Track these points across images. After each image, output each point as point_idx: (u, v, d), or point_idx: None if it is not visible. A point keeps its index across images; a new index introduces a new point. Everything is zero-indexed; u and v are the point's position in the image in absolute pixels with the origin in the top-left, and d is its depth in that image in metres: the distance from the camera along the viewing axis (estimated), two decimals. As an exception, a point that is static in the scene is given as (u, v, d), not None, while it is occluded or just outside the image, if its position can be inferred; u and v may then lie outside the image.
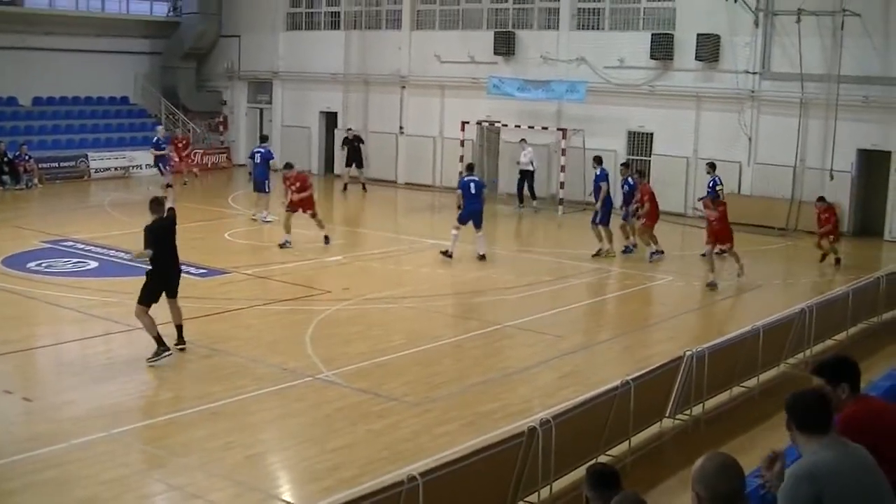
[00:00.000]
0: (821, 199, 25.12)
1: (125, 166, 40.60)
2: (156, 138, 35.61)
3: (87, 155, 39.86)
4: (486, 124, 35.85)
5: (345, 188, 36.40)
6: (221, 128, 45.83)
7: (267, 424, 13.04)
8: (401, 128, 39.28)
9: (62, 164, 39.02)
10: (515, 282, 21.38)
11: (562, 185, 32.75)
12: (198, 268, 21.63)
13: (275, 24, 43.38)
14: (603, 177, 25.39)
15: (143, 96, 45.77)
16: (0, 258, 22.52)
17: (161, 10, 46.99)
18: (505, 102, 34.85)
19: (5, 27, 40.16)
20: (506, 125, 34.82)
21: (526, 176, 33.15)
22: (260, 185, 28.80)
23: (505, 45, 35.59)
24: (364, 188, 36.66)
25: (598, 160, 26.24)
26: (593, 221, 24.94)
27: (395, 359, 15.49)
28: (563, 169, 32.80)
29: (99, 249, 23.65)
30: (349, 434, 12.41)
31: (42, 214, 30.19)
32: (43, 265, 21.97)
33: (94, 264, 22.29)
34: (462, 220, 24.14)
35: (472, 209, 24.11)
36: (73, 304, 18.69)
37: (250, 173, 31.29)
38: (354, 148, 37.07)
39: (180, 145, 39.48)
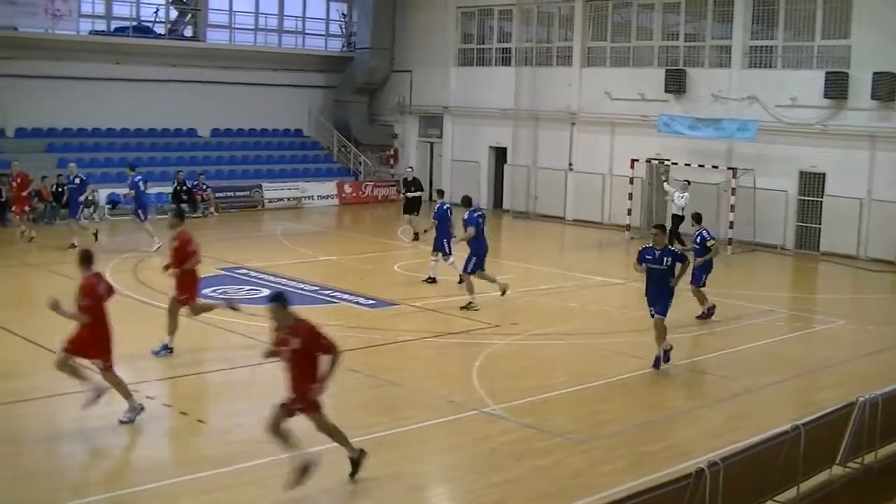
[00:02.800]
0: None
1: (298, 197, 41.47)
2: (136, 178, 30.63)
3: (261, 185, 40.93)
4: (656, 162, 35.56)
5: (416, 237, 31.37)
6: (392, 161, 46.46)
7: (432, 456, 13.11)
8: (570, 164, 39.20)
9: (237, 194, 40.16)
10: (683, 321, 21.09)
11: (731, 224, 32.24)
12: (367, 298, 21.98)
13: (446, 60, 43.89)
14: (708, 236, 21.91)
15: (317, 129, 46.85)
16: (177, 284, 23.22)
17: (335, 46, 48.11)
18: (675, 140, 34.51)
19: (186, 61, 41.57)
20: (675, 163, 34.47)
21: (678, 221, 31.94)
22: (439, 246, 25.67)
23: (676, 83, 35.27)
24: (416, 237, 31.37)
25: (697, 218, 22.60)
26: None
27: (561, 395, 15.42)
28: (732, 209, 32.29)
29: (271, 278, 24.19)
30: (514, 468, 12.38)
31: (217, 242, 30.94)
32: (217, 291, 22.56)
33: (266, 292, 22.77)
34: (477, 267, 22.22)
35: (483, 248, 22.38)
36: (245, 330, 19.12)
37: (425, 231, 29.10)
38: (412, 193, 32.54)
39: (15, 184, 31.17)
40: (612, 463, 12.60)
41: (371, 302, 21.84)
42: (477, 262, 22.09)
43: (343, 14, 48.47)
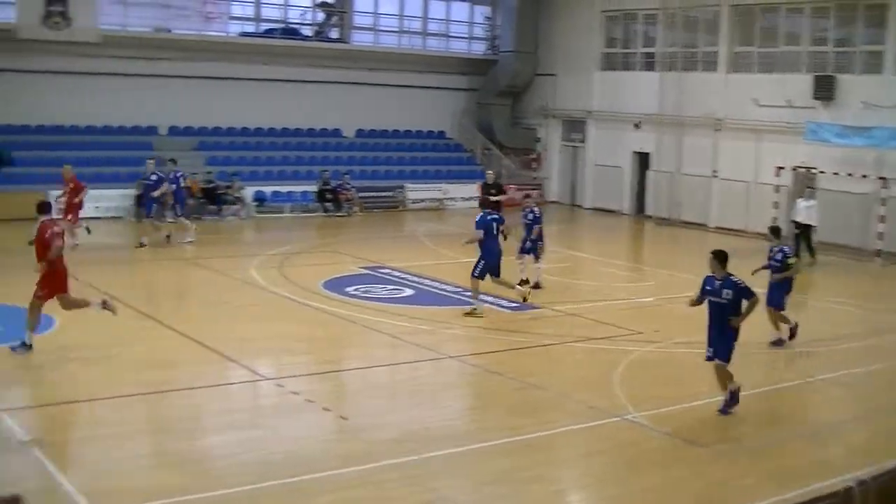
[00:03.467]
0: None
1: (440, 198, 41.73)
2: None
3: (403, 186, 41.30)
4: (802, 170, 34.86)
5: None
6: (534, 164, 46.43)
7: (573, 460, 13.09)
8: (714, 171, 38.71)
9: (380, 194, 40.58)
10: (829, 333, 20.67)
11: (880, 235, 31.48)
12: (509, 301, 22.04)
13: (590, 64, 43.68)
14: (790, 252, 19.95)
15: (460, 131, 47.04)
16: (320, 281, 23.62)
17: (480, 49, 48.21)
18: (822, 148, 33.73)
19: (332, 63, 42.20)
20: (822, 172, 33.75)
21: (805, 229, 30.83)
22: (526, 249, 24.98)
23: (824, 90, 34.44)
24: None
25: (776, 232, 20.11)
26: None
27: (704, 405, 15.20)
28: (882, 219, 31.51)
29: (414, 278, 24.41)
30: (654, 477, 12.28)
31: (360, 241, 31.35)
32: (360, 290, 22.87)
33: (409, 292, 23.04)
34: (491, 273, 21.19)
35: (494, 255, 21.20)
36: (388, 329, 19.33)
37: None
38: (494, 196, 30.09)
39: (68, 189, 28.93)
40: (755, 476, 12.39)
41: (513, 305, 21.89)
42: (486, 267, 20.98)
43: (487, 17, 48.58)
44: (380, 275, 24.97)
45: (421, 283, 23.82)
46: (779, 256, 19.22)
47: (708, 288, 14.67)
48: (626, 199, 42.19)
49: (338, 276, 24.65)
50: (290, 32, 43.17)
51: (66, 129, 37.82)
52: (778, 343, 19.20)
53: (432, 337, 19.05)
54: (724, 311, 14.53)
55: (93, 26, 36.20)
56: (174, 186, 29.91)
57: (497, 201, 29.16)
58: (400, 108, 44.50)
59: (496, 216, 21.50)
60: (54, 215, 21.33)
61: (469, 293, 21.43)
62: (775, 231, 19.92)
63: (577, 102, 44.29)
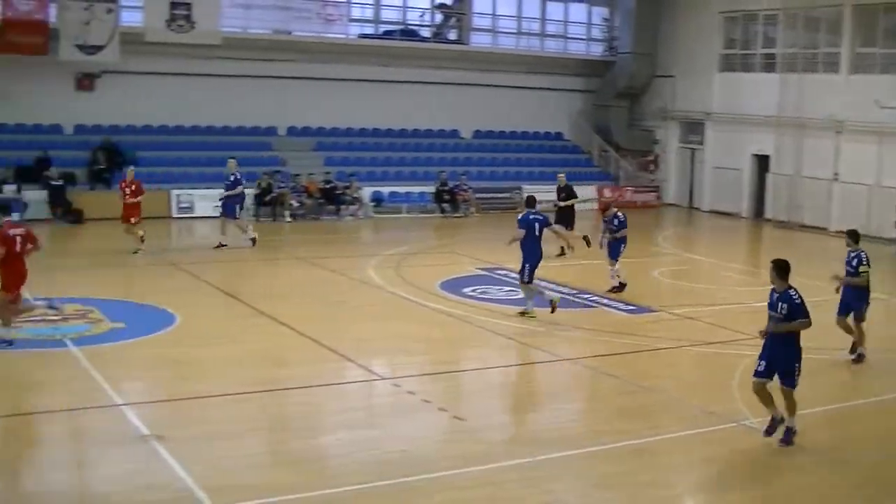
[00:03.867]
0: None
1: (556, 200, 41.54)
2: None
3: (521, 187, 41.16)
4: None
5: (562, 252, 26.68)
6: (652, 166, 46.03)
7: (688, 465, 12.90)
8: (835, 174, 37.94)
9: (497, 195, 40.56)
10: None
11: None
12: (626, 304, 21.90)
13: (709, 66, 43.10)
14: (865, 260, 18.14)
15: (577, 133, 46.84)
16: (437, 282, 23.72)
17: (597, 50, 47.95)
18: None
19: (450, 64, 42.34)
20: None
21: None
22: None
23: (949, 91, 33.61)
24: (562, 251, 26.55)
25: (854, 236, 18.53)
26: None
27: (824, 412, 14.95)
28: None
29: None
30: (772, 485, 12.07)
31: (477, 242, 31.41)
32: (477, 291, 22.92)
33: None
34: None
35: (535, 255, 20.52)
36: (503, 330, 19.34)
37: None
38: (564, 201, 30.19)
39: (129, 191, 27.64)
40: (873, 487, 12.13)
41: (630, 308, 21.73)
42: (532, 269, 20.39)
43: (605, 18, 48.29)
44: (496, 276, 24.99)
45: (536, 285, 23.75)
46: (854, 262, 18.16)
47: (769, 301, 13.41)
48: (744, 201, 41.53)
49: (455, 276, 24.75)
50: (409, 34, 43.43)
51: (186, 129, 38.55)
52: (857, 357, 17.92)
53: (548, 339, 19.01)
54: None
55: (215, 29, 36.85)
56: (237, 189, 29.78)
57: (568, 206, 28.75)
58: (517, 110, 44.43)
59: (539, 216, 20.78)
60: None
61: (522, 295, 21.29)
62: (853, 235, 18.80)
63: (695, 104, 43.73)
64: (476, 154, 43.37)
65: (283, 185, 36.31)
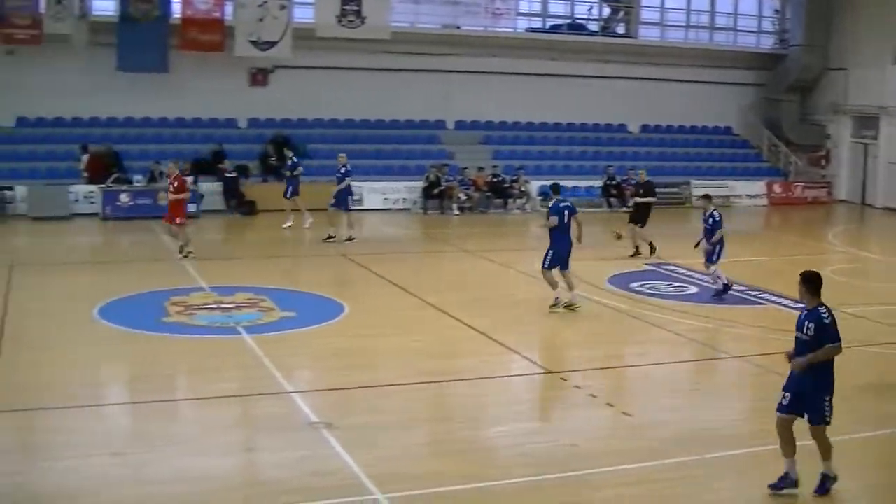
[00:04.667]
0: None
1: (726, 195, 40.90)
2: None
3: (689, 182, 40.69)
4: None
5: (636, 252, 27.13)
6: (823, 162, 44.90)
7: (860, 468, 12.47)
8: None
9: (665, 190, 40.06)
10: None
11: None
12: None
13: (883, 58, 41.74)
14: None
15: (746, 127, 46.00)
16: (606, 277, 23.58)
17: (768, 43, 47.00)
18: None
19: (618, 58, 42.08)
20: None
21: None
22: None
23: None
24: (637, 251, 27.13)
25: None
26: None
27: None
28: None
29: (699, 276, 24.00)
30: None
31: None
32: (645, 286, 22.72)
33: (694, 290, 22.70)
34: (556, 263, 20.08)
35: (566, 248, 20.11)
36: (672, 326, 19.11)
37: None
38: (642, 198, 28.18)
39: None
40: None
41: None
42: (555, 258, 19.91)
43: (776, 10, 47.28)
44: (665, 271, 24.75)
45: (706, 281, 23.40)
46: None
47: (797, 320, 11.28)
48: (922, 198, 40.22)
49: (623, 271, 24.56)
50: (577, 28, 43.29)
51: (356, 122, 39.18)
52: None
53: (716, 336, 18.79)
54: (807, 351, 10.95)
55: (385, 24, 37.28)
56: (289, 172, 30.49)
57: (646, 203, 27.71)
58: (685, 104, 43.81)
59: (568, 204, 20.44)
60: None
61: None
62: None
63: (869, 98, 42.39)
64: (643, 148, 43.02)
65: (450, 178, 36.59)
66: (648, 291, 22.24)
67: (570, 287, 20.24)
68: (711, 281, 22.48)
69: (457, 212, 35.89)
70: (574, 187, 38.54)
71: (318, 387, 15.20)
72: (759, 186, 42.26)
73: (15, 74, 34.84)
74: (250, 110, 38.13)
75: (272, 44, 36.27)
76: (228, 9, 36.16)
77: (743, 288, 22.80)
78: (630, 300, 21.34)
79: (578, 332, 18.87)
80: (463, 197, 36.15)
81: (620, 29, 44.94)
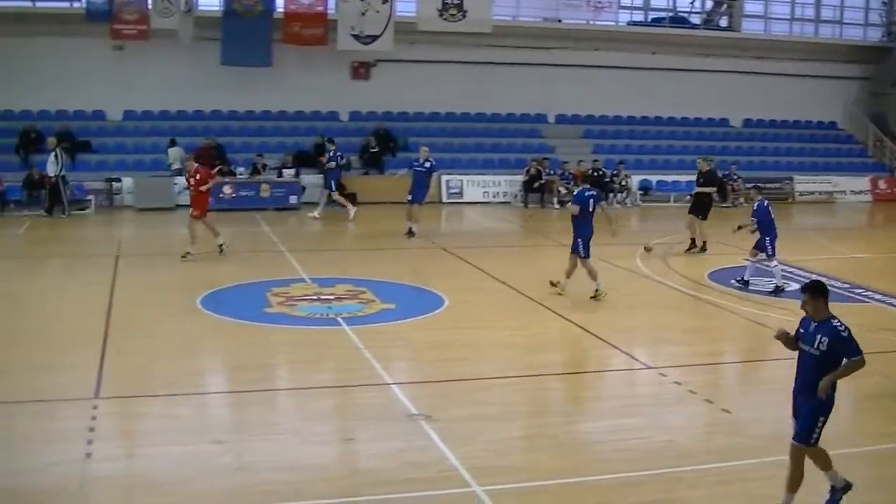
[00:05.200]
0: None
1: (829, 191, 40.35)
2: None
3: (792, 178, 40.19)
4: None
5: (692, 245, 27.09)
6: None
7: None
8: None
9: (768, 185, 39.57)
10: None
11: None
12: None
13: None
14: None
15: (851, 122, 45.23)
16: (706, 272, 23.42)
17: (875, 35, 46.16)
18: None
19: (720, 52, 41.67)
20: None
21: None
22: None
23: None
24: (693, 244, 26.97)
25: None
26: None
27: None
28: None
29: (801, 272, 23.71)
30: None
31: (747, 233, 30.74)
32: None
33: (795, 286, 22.40)
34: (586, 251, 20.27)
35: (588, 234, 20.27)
36: (772, 323, 18.78)
37: None
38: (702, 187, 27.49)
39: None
40: None
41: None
42: (586, 243, 20.17)
43: (883, 2, 46.37)
44: (767, 268, 24.43)
45: (808, 278, 23.05)
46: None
47: (801, 330, 10.19)
48: None
49: (724, 267, 24.33)
50: (679, 21, 42.94)
51: (457, 116, 39.33)
52: None
53: (818, 333, 18.48)
54: (817, 367, 9.91)
55: (486, 18, 37.36)
56: (333, 164, 31.17)
57: (707, 193, 27.11)
58: (789, 98, 43.25)
59: (593, 192, 20.66)
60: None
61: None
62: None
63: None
64: (746, 143, 42.58)
65: (551, 172, 36.55)
66: (750, 287, 22.00)
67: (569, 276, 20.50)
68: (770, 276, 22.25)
69: (557, 206, 35.84)
70: (674, 182, 38.35)
71: (416, 379, 15.31)
72: (863, 182, 41.58)
73: (123, 69, 35.70)
74: (352, 104, 38.53)
75: (374, 37, 36.56)
76: (331, 3, 36.51)
77: (846, 285, 22.46)
78: (730, 296, 21.16)
79: (678, 327, 18.75)
80: (563, 191, 36.10)
81: (723, 22, 44.47)
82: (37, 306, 19.17)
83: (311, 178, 34.77)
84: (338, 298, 19.59)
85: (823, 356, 9.84)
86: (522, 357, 16.30)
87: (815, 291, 10.08)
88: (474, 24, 37.21)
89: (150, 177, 33.96)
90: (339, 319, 17.91)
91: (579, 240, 20.19)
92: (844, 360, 9.83)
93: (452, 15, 37.10)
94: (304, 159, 35.39)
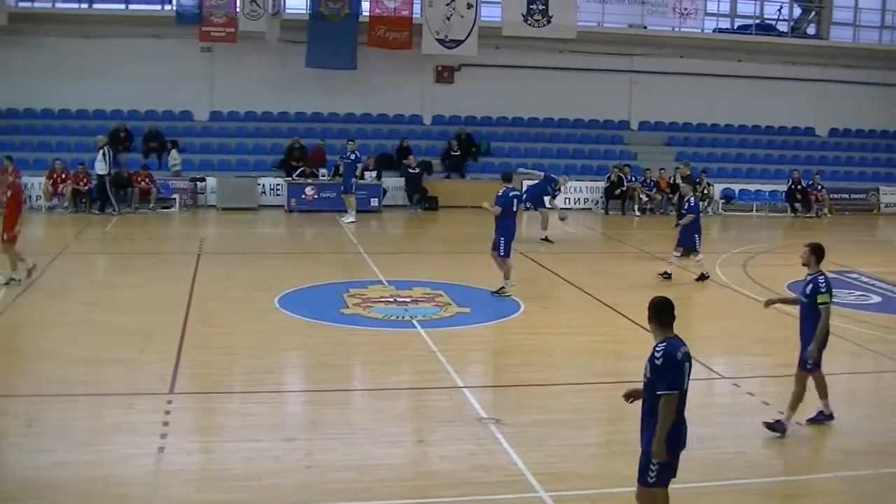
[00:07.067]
0: None
1: (915, 203, 39.71)
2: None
3: (878, 189, 39.59)
4: None
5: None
6: None
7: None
8: None
9: (852, 196, 39.15)
10: None
11: None
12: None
13: None
14: None
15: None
16: (786, 283, 23.13)
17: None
18: None
19: (808, 59, 41.16)
20: None
21: None
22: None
23: None
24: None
25: None
26: None
27: None
28: None
29: (883, 285, 23.42)
30: None
31: (830, 244, 30.10)
32: (827, 294, 22.20)
33: (876, 299, 22.15)
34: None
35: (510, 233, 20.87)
36: (851, 335, 18.65)
37: None
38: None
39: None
40: None
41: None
42: (507, 244, 20.67)
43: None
44: (847, 279, 24.15)
45: (890, 291, 22.81)
46: None
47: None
48: None
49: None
50: (766, 28, 42.52)
51: (540, 121, 39.35)
52: None
53: (896, 347, 18.28)
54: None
55: (570, 23, 37.31)
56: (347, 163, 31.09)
57: None
58: (877, 107, 42.55)
59: (517, 192, 21.34)
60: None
61: None
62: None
63: None
64: (832, 153, 41.96)
65: (633, 179, 36.43)
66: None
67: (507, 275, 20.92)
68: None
69: (638, 213, 35.71)
70: (757, 191, 38.04)
71: (488, 383, 15.41)
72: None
73: (210, 70, 36.28)
74: (435, 107, 38.71)
75: (458, 42, 36.71)
76: (417, 7, 36.72)
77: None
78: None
79: (754, 338, 18.59)
80: (644, 198, 35.95)
81: (811, 30, 43.95)
82: (119, 301, 19.56)
83: (392, 181, 35.02)
84: (414, 301, 19.75)
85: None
86: (596, 364, 16.33)
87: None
88: (559, 29, 37.19)
89: (235, 177, 34.42)
90: (415, 322, 18.05)
91: (501, 238, 20.65)
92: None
93: (537, 20, 37.11)
94: (387, 162, 35.62)
